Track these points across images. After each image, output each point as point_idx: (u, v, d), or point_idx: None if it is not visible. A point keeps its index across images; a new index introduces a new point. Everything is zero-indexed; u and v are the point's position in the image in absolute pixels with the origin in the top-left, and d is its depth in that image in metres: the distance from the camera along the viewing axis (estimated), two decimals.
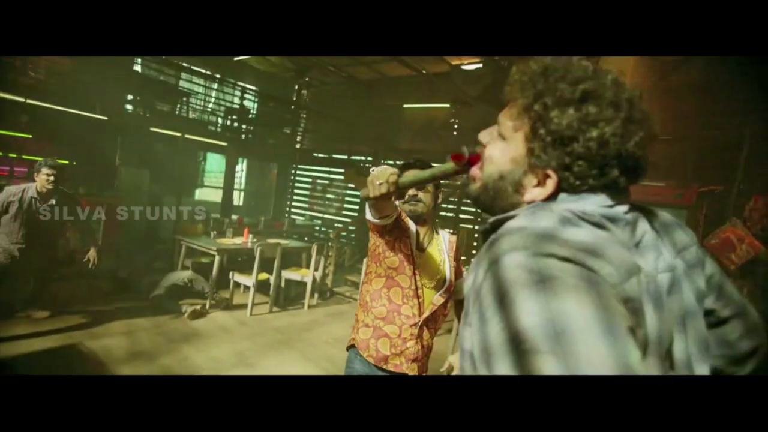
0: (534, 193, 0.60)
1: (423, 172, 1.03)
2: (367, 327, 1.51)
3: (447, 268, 1.56)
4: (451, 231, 1.70)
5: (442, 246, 1.59)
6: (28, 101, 5.02)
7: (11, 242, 3.18)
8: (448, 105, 8.22)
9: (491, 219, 0.63)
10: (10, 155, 5.40)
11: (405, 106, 8.74)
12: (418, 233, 1.56)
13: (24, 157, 5.45)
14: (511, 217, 0.58)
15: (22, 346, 3.03)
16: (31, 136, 5.47)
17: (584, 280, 0.44)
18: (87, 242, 3.56)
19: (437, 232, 1.63)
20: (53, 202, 3.28)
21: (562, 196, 0.58)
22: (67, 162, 5.57)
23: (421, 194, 1.54)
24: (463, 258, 1.70)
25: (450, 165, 0.89)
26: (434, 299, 1.52)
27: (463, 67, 7.22)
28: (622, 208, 0.56)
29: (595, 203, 0.56)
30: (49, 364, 2.89)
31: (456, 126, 8.38)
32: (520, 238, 0.49)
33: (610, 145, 0.54)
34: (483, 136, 0.69)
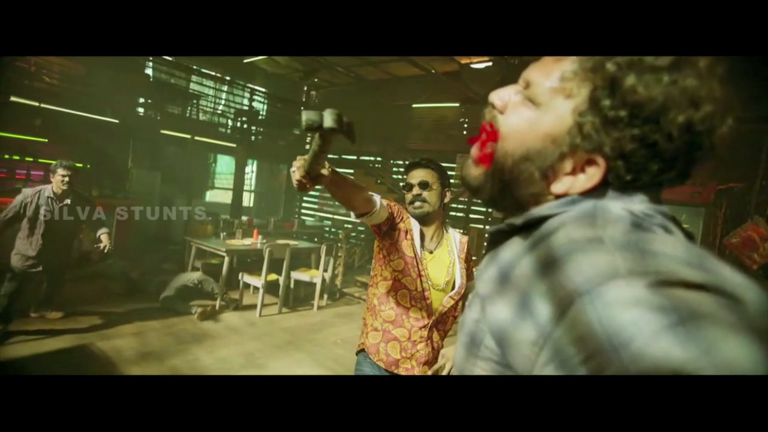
0: (566, 183, 0.45)
1: (308, 153, 0.95)
2: (376, 331, 1.49)
3: (457, 270, 1.51)
4: (462, 231, 1.66)
5: (452, 247, 1.54)
6: (42, 105, 5.10)
7: (29, 244, 3.23)
8: (457, 104, 8.18)
9: (521, 218, 0.47)
10: (27, 159, 5.51)
11: (414, 105, 8.71)
12: (423, 234, 1.53)
13: (40, 160, 5.56)
14: (549, 216, 0.45)
15: (34, 347, 3.06)
16: (46, 140, 5.58)
17: (735, 314, 0.31)
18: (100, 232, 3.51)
19: (447, 233, 1.58)
20: (68, 202, 3.31)
21: (609, 191, 0.44)
22: (81, 165, 5.66)
23: (425, 194, 1.48)
24: (474, 258, 1.65)
25: (318, 138, 0.83)
26: (444, 301, 1.47)
27: (473, 66, 7.16)
28: (664, 206, 0.45)
29: (642, 201, 0.43)
30: (61, 364, 2.92)
31: (466, 125, 8.34)
32: (613, 257, 0.35)
33: (694, 134, 0.40)
34: (497, 97, 0.51)
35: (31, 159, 5.53)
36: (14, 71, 5.03)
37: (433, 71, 7.61)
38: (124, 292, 4.52)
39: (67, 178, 3.21)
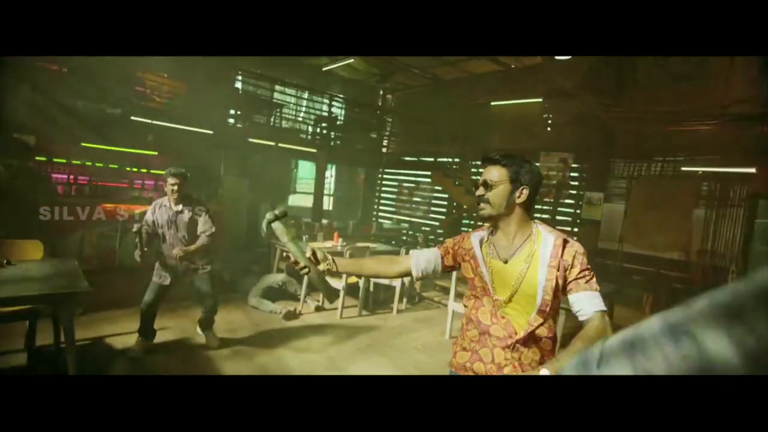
0: None
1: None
2: (464, 351, 1.40)
3: (539, 280, 1.26)
4: (569, 231, 1.44)
5: (537, 253, 1.29)
6: (154, 122, 5.71)
7: (159, 256, 3.23)
8: (539, 99, 7.70)
9: None
10: (142, 170, 6.24)
11: (493, 103, 8.38)
12: (495, 242, 1.37)
13: (152, 171, 6.26)
14: None
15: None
16: (156, 153, 6.26)
17: None
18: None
19: (539, 234, 1.32)
20: (180, 208, 3.25)
21: None
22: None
23: (488, 194, 1.31)
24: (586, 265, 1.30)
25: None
26: (531, 319, 1.27)
27: (557, 58, 6.68)
28: None
29: None
30: (167, 358, 3.19)
31: (549, 121, 7.82)
32: None
33: None
34: None
35: (145, 170, 6.25)
36: (134, 95, 5.74)
37: (512, 66, 7.24)
38: (218, 292, 4.85)
39: (176, 187, 3.18)
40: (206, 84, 6.18)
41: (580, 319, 1.32)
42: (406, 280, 4.96)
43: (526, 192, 1.30)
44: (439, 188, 8.47)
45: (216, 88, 6.36)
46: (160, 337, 3.40)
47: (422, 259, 1.45)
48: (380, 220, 9.09)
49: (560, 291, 1.28)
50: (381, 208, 9.77)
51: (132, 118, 5.52)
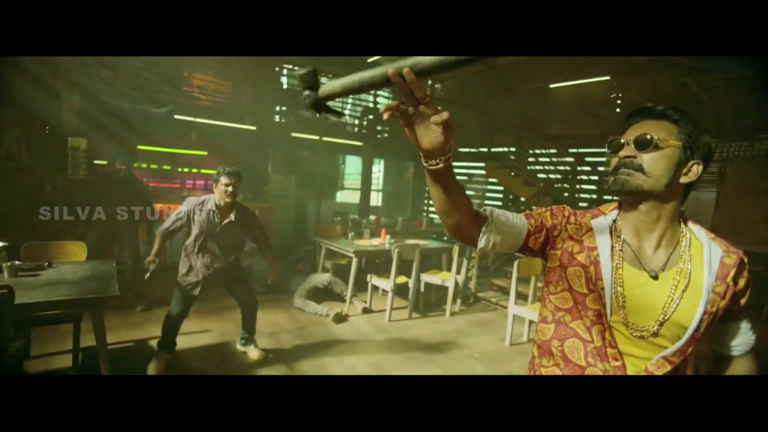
0: None
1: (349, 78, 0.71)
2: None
3: (698, 310, 0.81)
4: (728, 244, 0.87)
5: (696, 270, 0.84)
6: (197, 120, 5.73)
7: (189, 262, 2.85)
8: (607, 77, 6.94)
9: None
10: (193, 171, 6.34)
11: (552, 86, 7.68)
12: (632, 243, 0.88)
13: (202, 171, 6.34)
14: None
15: (190, 340, 3.22)
16: (206, 153, 6.31)
17: None
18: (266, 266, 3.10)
19: (692, 237, 0.88)
20: (232, 218, 2.82)
21: None
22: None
23: (644, 157, 0.83)
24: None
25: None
26: (651, 364, 0.84)
27: None
28: None
29: None
30: (207, 360, 3.04)
31: (619, 101, 7.05)
32: None
33: None
34: None
35: (196, 170, 6.33)
36: (183, 95, 5.79)
37: None
38: (263, 291, 4.72)
39: (230, 188, 2.74)
40: (249, 81, 6.13)
41: (733, 354, 0.91)
42: (460, 279, 4.55)
43: (697, 170, 0.84)
44: (494, 180, 7.92)
45: (260, 84, 6.28)
46: (209, 338, 3.26)
47: (495, 230, 0.91)
48: (431, 215, 8.68)
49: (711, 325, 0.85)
50: (432, 202, 9.38)
51: (176, 116, 5.55)
